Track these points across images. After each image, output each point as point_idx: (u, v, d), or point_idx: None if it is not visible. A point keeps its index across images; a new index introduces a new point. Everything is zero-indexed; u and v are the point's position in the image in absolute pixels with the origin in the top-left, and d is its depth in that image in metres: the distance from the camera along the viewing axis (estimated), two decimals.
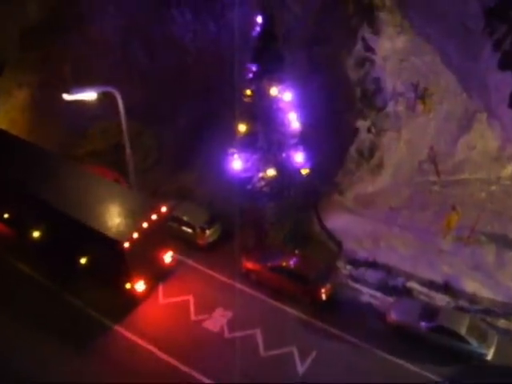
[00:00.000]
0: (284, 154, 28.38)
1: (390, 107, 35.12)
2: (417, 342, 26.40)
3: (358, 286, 29.44)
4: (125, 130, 29.09)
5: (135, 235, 25.58)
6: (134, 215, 26.46)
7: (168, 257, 28.25)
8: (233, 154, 29.05)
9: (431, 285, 29.19)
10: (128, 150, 29.83)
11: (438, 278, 29.40)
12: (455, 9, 35.53)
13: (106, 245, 25.60)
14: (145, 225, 26.06)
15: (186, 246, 30.53)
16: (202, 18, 33.25)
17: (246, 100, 28.01)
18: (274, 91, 26.88)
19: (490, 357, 25.56)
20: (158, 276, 28.24)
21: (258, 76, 26.81)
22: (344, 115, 34.15)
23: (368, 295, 28.98)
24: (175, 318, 27.30)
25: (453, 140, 35.17)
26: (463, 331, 25.69)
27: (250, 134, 27.90)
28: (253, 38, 26.21)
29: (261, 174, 28.41)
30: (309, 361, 25.63)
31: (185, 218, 30.80)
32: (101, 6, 36.75)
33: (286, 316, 27.70)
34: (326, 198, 33.33)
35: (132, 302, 27.47)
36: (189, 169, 34.42)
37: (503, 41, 34.26)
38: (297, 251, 29.68)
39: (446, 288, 28.92)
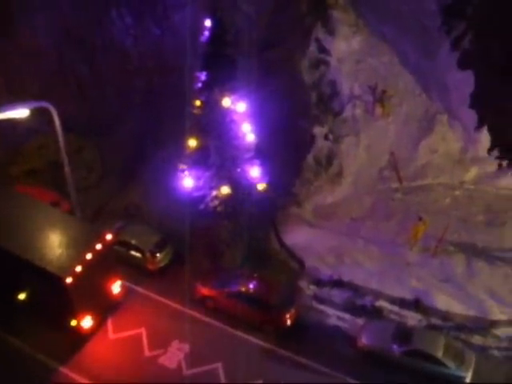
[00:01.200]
0: (239, 170, 25.89)
1: (348, 111, 33.46)
2: (390, 367, 24.66)
3: (323, 307, 27.50)
4: (62, 147, 26.37)
5: (78, 268, 22.93)
6: (77, 245, 23.77)
7: (116, 287, 25.64)
8: (183, 170, 26.47)
9: (401, 303, 27.49)
10: (67, 169, 27.08)
11: (408, 295, 27.76)
12: (411, 6, 34.19)
13: (46, 280, 22.95)
14: (89, 256, 23.44)
15: (135, 271, 27.95)
16: (144, 21, 30.54)
17: (195, 112, 25.46)
18: (226, 102, 24.50)
19: (468, 379, 23.89)
20: (107, 309, 25.67)
21: (208, 86, 24.34)
22: (300, 122, 31.99)
23: (335, 317, 27.08)
24: (127, 354, 24.77)
25: (414, 144, 33.62)
26: (440, 354, 24.07)
27: (201, 150, 25.41)
28: (201, 43, 23.65)
29: (214, 193, 25.96)
30: None
31: (133, 242, 28.24)
32: (32, 6, 33.29)
33: (248, 346, 25.51)
34: (283, 211, 31.20)
35: (79, 340, 24.65)
36: (136, 184, 31.86)
37: (462, 39, 32.88)
38: (255, 274, 27.36)
39: (417, 305, 27.31)
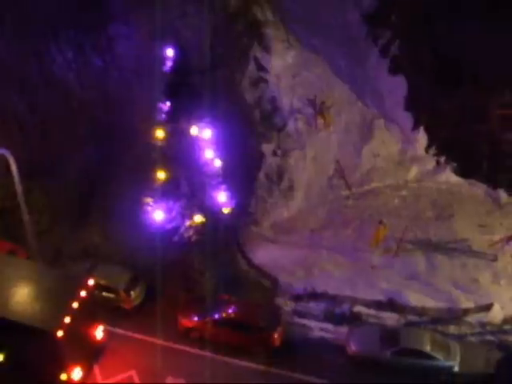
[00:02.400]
0: (209, 197, 25.75)
1: (291, 126, 34.13)
2: (383, 368, 25.28)
3: (304, 321, 27.91)
4: (20, 193, 25.21)
5: (67, 320, 21.87)
6: (59, 295, 22.70)
7: (99, 332, 24.64)
8: (149, 204, 25.91)
9: (377, 305, 28.30)
10: (25, 215, 25.81)
11: (381, 296, 28.64)
12: (336, 18, 35.33)
13: (30, 337, 21.60)
14: (75, 305, 22.37)
15: (109, 313, 26.85)
16: (85, 54, 29.63)
17: (158, 143, 25.04)
18: (194, 130, 24.27)
19: (457, 368, 25.03)
20: (92, 356, 24.51)
21: (173, 115, 24.00)
22: (247, 141, 32.26)
23: (318, 329, 27.59)
24: None
25: (356, 150, 34.79)
26: (428, 348, 25.15)
27: (169, 181, 24.95)
28: (164, 73, 23.40)
29: (188, 223, 25.58)
30: None
31: (103, 283, 27.19)
32: None
33: (241, 371, 25.39)
34: (245, 232, 31.19)
35: None
36: (90, 224, 30.70)
37: (389, 46, 34.40)
38: (233, 298, 27.23)
39: (392, 305, 28.22)
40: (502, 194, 33.85)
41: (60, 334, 21.53)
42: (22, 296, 22.84)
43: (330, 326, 27.63)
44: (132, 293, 27.34)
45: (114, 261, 28.79)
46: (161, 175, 24.99)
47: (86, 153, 30.25)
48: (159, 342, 26.29)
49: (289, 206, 33.07)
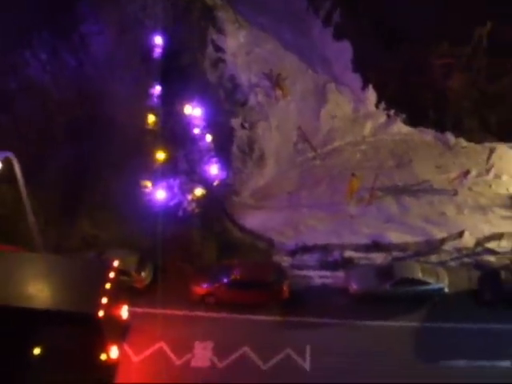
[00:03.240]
0: (204, 170, 27.70)
1: (252, 100, 36.11)
2: (384, 300, 28.04)
3: (304, 272, 30.15)
4: (24, 198, 26.11)
5: (104, 300, 23.29)
6: (91, 280, 23.96)
7: (124, 311, 26.16)
8: (148, 186, 27.56)
9: (364, 248, 31.03)
10: (30, 217, 26.82)
11: (365, 240, 31.34)
12: None
13: (71, 324, 22.76)
14: (108, 286, 23.82)
15: (124, 294, 28.26)
16: (59, 55, 30.48)
17: (151, 127, 26.69)
18: (188, 110, 26.07)
19: (447, 289, 28.24)
20: (122, 335, 26.00)
21: (166, 99, 25.70)
22: (217, 118, 34.17)
23: (317, 277, 29.97)
24: (159, 369, 25.44)
25: (315, 114, 37.35)
26: (420, 275, 28.06)
27: (168, 160, 26.69)
28: (152, 59, 25.03)
29: (190, 197, 27.41)
30: (308, 356, 25.84)
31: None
32: None
33: (261, 325, 27.51)
34: (228, 202, 33.20)
35: (105, 377, 24.80)
36: (82, 216, 31.74)
37: (331, 15, 36.99)
38: (237, 261, 29.28)
39: (377, 246, 31.05)
40: (450, 137, 37.45)
41: (101, 314, 22.87)
42: (55, 287, 23.91)
43: (327, 273, 30.12)
44: (143, 273, 28.75)
45: (118, 245, 29.97)
46: (160, 156, 26.60)
47: (68, 151, 31.15)
48: (178, 312, 27.86)
49: (263, 173, 35.21)
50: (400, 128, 37.91)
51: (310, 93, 37.39)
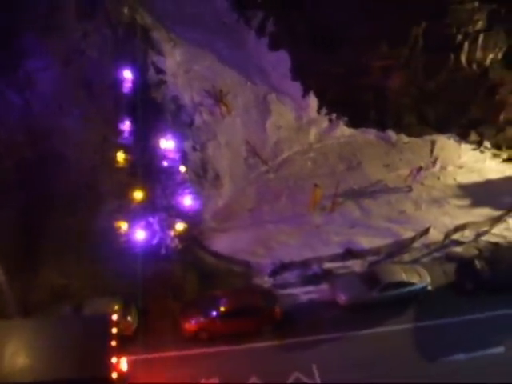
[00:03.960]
0: (180, 203, 26.72)
1: (198, 119, 35.29)
2: (374, 307, 28.35)
3: (288, 291, 29.83)
4: None
5: (114, 360, 21.87)
6: (96, 340, 22.31)
7: (124, 364, 24.66)
8: (122, 227, 26.21)
9: (339, 257, 31.21)
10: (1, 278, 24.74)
11: (338, 249, 31.54)
12: (207, 10, 36.85)
13: None
14: (113, 343, 22.38)
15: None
16: (4, 96, 28.02)
17: (121, 165, 25.35)
18: (163, 144, 24.96)
19: (430, 287, 29.05)
20: None
21: (140, 133, 24.44)
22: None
23: (303, 294, 29.73)
24: None
25: (260, 127, 37.14)
26: (404, 277, 28.63)
27: (144, 199, 25.45)
28: (125, 94, 23.76)
29: (171, 233, 26.31)
30: (317, 376, 25.73)
31: None
32: None
33: (262, 351, 26.88)
34: (196, 229, 32.26)
35: None
36: (47, 265, 29.58)
37: (264, 25, 36.77)
38: (222, 290, 28.51)
39: (351, 253, 31.33)
40: (392, 134, 38.49)
41: (114, 375, 21.47)
42: (59, 353, 21.97)
43: (311, 288, 29.93)
44: (129, 317, 27.25)
45: (93, 293, 28.19)
46: (138, 195, 25.24)
47: (21, 195, 28.89)
48: (174, 353, 26.65)
49: (220, 194, 34.50)
50: (343, 131, 38.46)
51: (252, 106, 37.03)
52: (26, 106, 28.18)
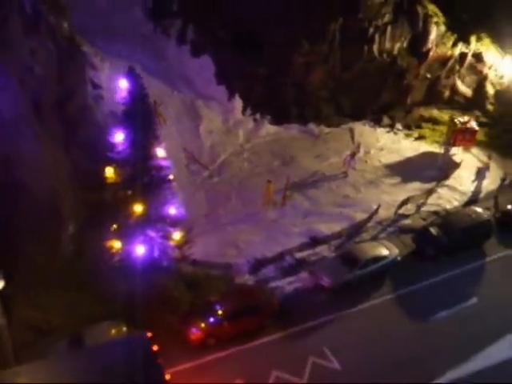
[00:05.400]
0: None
1: None
2: (356, 285, 30.08)
3: (272, 284, 30.52)
4: None
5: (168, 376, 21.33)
6: (149, 361, 21.29)
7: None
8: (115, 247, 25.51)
9: (307, 246, 32.56)
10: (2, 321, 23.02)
11: (302, 239, 32.88)
12: (123, 22, 36.45)
13: None
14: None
15: None
16: None
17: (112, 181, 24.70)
18: (160, 153, 24.68)
19: (399, 257, 31.49)
20: None
21: (135, 145, 23.99)
22: None
23: (286, 285, 30.54)
24: None
25: (194, 134, 37.37)
26: (378, 252, 30.76)
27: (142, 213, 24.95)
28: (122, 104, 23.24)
29: (172, 243, 25.98)
30: (331, 356, 26.81)
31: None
32: None
33: (272, 345, 27.27)
34: None
35: None
36: (19, 300, 27.43)
37: (184, 33, 37.14)
38: (214, 296, 28.48)
39: (316, 241, 32.84)
40: (313, 127, 40.60)
41: None
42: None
43: (292, 278, 30.85)
44: None
45: (79, 322, 26.58)
46: (138, 208, 24.61)
47: None
48: (188, 364, 26.17)
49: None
50: (268, 129, 39.78)
51: (182, 113, 37.14)
52: None
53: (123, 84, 23.13)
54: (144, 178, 24.48)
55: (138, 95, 23.34)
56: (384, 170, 38.24)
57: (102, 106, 33.03)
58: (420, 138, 40.85)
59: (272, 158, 38.21)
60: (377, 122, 40.92)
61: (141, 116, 23.55)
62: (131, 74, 23.25)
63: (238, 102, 38.74)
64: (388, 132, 41.19)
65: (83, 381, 20.40)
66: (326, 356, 26.80)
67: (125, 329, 25.79)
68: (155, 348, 21.88)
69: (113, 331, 25.70)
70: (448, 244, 31.88)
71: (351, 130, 40.33)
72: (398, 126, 41.44)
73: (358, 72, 38.87)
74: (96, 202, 29.72)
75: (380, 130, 41.28)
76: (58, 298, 27.74)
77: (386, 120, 41.08)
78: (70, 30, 29.21)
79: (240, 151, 38.19)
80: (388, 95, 40.32)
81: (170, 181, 25.89)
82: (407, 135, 41.12)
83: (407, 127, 41.18)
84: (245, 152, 38.24)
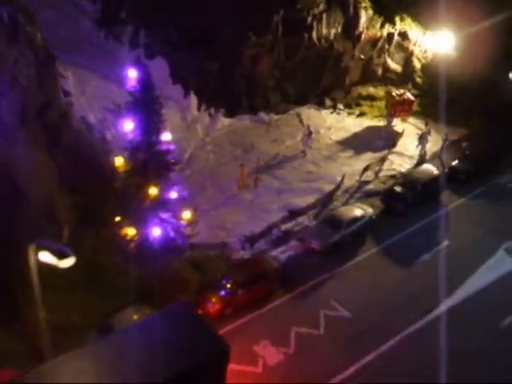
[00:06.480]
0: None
1: (109, 135, 35.83)
2: (342, 245, 32.81)
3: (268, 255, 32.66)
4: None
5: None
6: (197, 323, 22.46)
7: None
8: (129, 233, 26.86)
9: (289, 218, 34.97)
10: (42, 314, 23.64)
11: (283, 213, 35.30)
12: (74, 32, 37.64)
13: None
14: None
15: None
16: None
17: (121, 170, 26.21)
18: (167, 136, 26.40)
19: (374, 216, 34.63)
20: None
21: (147, 132, 25.57)
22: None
23: (280, 253, 32.77)
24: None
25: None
26: (356, 213, 33.73)
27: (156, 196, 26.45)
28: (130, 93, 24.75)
29: (184, 222, 27.57)
30: (340, 307, 29.26)
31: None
32: None
33: (284, 307, 29.22)
34: None
35: None
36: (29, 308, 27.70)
37: (137, 38, 38.72)
38: (225, 270, 30.11)
39: (295, 213, 35.34)
40: (263, 116, 43.14)
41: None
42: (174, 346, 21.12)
43: (284, 247, 33.13)
44: None
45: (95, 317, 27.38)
46: (152, 191, 26.03)
47: None
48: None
49: None
50: (223, 122, 41.86)
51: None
52: None
53: (132, 73, 24.34)
54: (155, 162, 25.70)
55: (147, 83, 24.58)
56: (336, 145, 41.28)
57: (74, 113, 33.74)
58: (361, 114, 44.31)
59: (233, 148, 40.23)
60: (320, 105, 43.99)
61: (150, 103, 24.86)
62: (138, 64, 24.43)
63: (193, 99, 40.56)
64: (332, 113, 44.38)
65: (144, 352, 20.78)
66: (334, 307, 29.15)
67: (148, 311, 26.61)
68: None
69: (139, 315, 26.51)
70: (413, 199, 35.23)
71: (298, 115, 43.16)
72: (340, 106, 44.78)
73: (301, 59, 41.77)
74: (85, 204, 30.89)
75: (324, 112, 44.40)
76: (69, 299, 28.25)
77: (328, 102, 44.27)
78: (43, 40, 29.91)
79: (202, 145, 39.94)
80: (328, 78, 43.55)
81: (175, 163, 27.27)
82: (349, 113, 44.52)
83: (348, 106, 44.59)
84: (207, 145, 40.06)
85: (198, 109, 40.84)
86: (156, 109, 25.49)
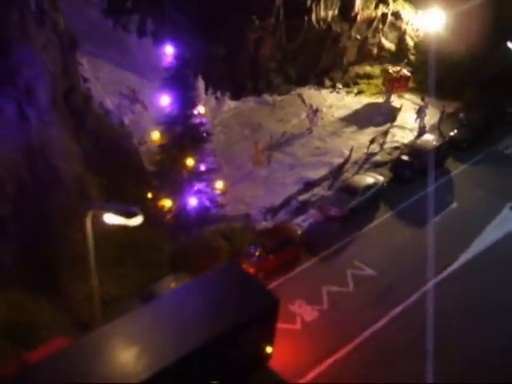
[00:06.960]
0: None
1: (126, 120, 37.05)
2: (359, 211, 34.51)
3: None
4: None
5: None
6: (246, 280, 23.91)
7: None
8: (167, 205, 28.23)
9: (304, 190, 36.59)
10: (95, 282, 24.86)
11: (299, 186, 36.91)
12: (83, 23, 38.69)
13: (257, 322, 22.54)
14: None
15: None
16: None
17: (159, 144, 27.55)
18: (202, 109, 27.79)
19: (385, 184, 36.45)
20: None
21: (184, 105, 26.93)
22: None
23: (301, 221, 34.34)
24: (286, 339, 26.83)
25: None
26: (371, 180, 35.50)
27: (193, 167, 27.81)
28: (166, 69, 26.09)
29: (217, 192, 28.97)
30: (365, 266, 31.01)
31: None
32: None
33: (313, 268, 30.92)
34: None
35: None
36: (68, 285, 28.77)
37: (144, 26, 39.96)
38: (254, 238, 31.37)
39: (310, 184, 36.97)
40: (267, 97, 44.68)
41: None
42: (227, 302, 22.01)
43: (304, 216, 34.75)
44: None
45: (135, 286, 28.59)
46: (189, 162, 27.40)
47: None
48: None
49: None
50: (229, 104, 43.30)
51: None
52: (22, 119, 27.01)
53: (169, 50, 25.62)
54: (190, 135, 27.07)
55: (183, 59, 25.94)
56: (340, 122, 43.03)
57: (92, 98, 34.83)
58: (359, 92, 46.15)
59: (242, 128, 41.69)
60: (320, 85, 45.71)
61: (186, 78, 26.23)
62: (175, 41, 25.77)
63: (201, 83, 41.83)
64: (331, 92, 46.13)
65: (203, 306, 21.77)
66: (359, 267, 30.86)
67: (187, 278, 27.87)
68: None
69: (179, 282, 27.77)
70: (420, 166, 37.11)
71: (300, 95, 44.80)
72: (339, 85, 46.57)
73: (301, 41, 43.38)
74: (112, 186, 32.05)
75: (324, 91, 46.13)
76: (104, 273, 29.24)
77: (327, 82, 46.02)
78: (64, 25, 31.00)
79: (213, 126, 41.19)
80: (326, 59, 45.28)
81: (209, 135, 28.63)
82: (348, 92, 46.33)
83: (346, 85, 46.40)
84: (216, 127, 41.35)
85: (205, 92, 42.03)
86: (191, 84, 26.65)
